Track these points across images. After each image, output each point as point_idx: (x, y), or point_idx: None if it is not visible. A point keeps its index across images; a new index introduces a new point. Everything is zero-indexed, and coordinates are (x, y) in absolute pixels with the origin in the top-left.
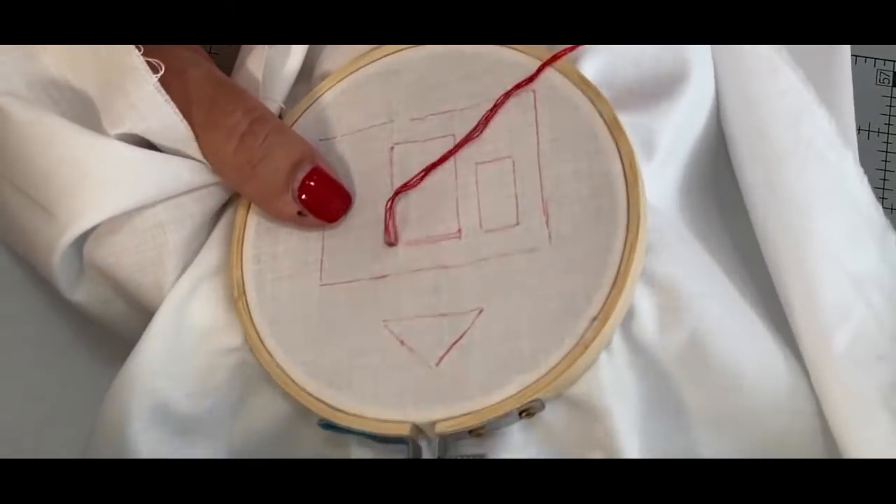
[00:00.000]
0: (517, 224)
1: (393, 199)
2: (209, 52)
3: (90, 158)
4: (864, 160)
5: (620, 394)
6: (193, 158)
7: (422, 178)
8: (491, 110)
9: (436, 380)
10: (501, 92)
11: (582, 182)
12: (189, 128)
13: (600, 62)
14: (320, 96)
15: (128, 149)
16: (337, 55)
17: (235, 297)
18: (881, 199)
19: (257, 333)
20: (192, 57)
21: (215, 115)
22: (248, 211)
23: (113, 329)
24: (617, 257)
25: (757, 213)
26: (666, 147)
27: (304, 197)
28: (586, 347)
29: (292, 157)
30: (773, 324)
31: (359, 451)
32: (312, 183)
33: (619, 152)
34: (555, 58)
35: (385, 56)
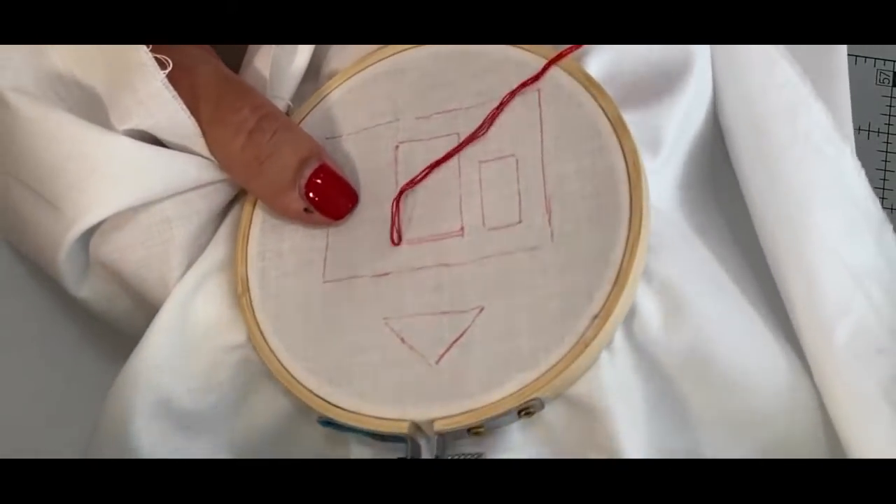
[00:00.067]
0: (520, 222)
1: (399, 197)
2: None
3: (98, 154)
4: (864, 160)
5: (622, 394)
6: (200, 155)
7: (426, 175)
8: (496, 109)
9: (435, 378)
10: (507, 91)
11: (585, 180)
12: (196, 124)
13: (605, 60)
14: (327, 95)
15: (135, 144)
16: (344, 54)
17: (239, 294)
18: (881, 198)
19: (260, 330)
20: (200, 54)
21: (223, 111)
22: (253, 208)
23: (117, 327)
24: (619, 255)
25: (755, 206)
26: (670, 144)
27: (310, 194)
28: (587, 346)
29: (300, 154)
30: (775, 319)
31: (358, 450)
32: (319, 180)
33: (623, 150)
34: (559, 56)
35: (392, 55)
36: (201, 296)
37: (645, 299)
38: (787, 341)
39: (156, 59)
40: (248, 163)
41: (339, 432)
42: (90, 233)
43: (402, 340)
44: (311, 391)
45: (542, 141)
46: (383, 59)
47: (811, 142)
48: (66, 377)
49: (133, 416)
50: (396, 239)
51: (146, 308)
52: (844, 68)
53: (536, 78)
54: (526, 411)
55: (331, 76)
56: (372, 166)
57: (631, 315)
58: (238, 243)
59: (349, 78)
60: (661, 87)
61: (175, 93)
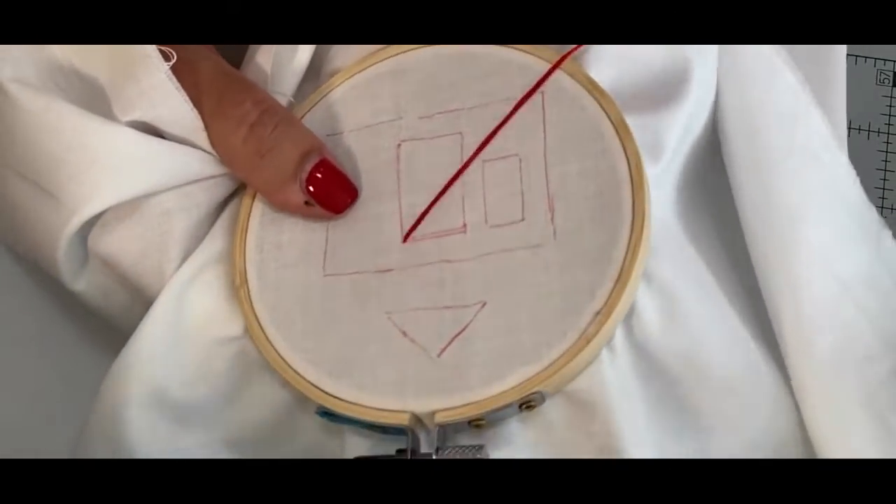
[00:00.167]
0: (522, 220)
1: (442, 193)
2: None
3: (98, 145)
4: (864, 160)
5: (622, 392)
6: (202, 148)
7: (452, 182)
8: (505, 119)
9: (437, 370)
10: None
11: (588, 180)
12: (199, 117)
13: (608, 65)
14: (329, 92)
15: (137, 136)
16: (345, 54)
17: (237, 285)
18: (881, 199)
19: (257, 320)
20: (202, 50)
21: (225, 105)
22: (252, 201)
23: (114, 322)
24: (621, 253)
25: (746, 217)
26: (672, 149)
27: (311, 188)
28: (588, 341)
29: (301, 148)
30: (760, 327)
31: (356, 441)
32: (320, 175)
33: (626, 152)
34: (563, 59)
35: (395, 55)
36: (197, 288)
37: (645, 299)
38: (769, 350)
39: (160, 50)
40: (250, 156)
41: (336, 424)
42: (89, 225)
43: (404, 334)
44: (310, 382)
45: (545, 142)
46: (385, 59)
47: (809, 150)
48: (63, 375)
49: (126, 406)
50: (405, 237)
51: (143, 302)
52: (842, 71)
53: (540, 84)
54: (527, 404)
55: (332, 75)
56: (373, 164)
57: (630, 314)
58: (236, 235)
59: (351, 76)
60: (663, 95)
61: (178, 85)
